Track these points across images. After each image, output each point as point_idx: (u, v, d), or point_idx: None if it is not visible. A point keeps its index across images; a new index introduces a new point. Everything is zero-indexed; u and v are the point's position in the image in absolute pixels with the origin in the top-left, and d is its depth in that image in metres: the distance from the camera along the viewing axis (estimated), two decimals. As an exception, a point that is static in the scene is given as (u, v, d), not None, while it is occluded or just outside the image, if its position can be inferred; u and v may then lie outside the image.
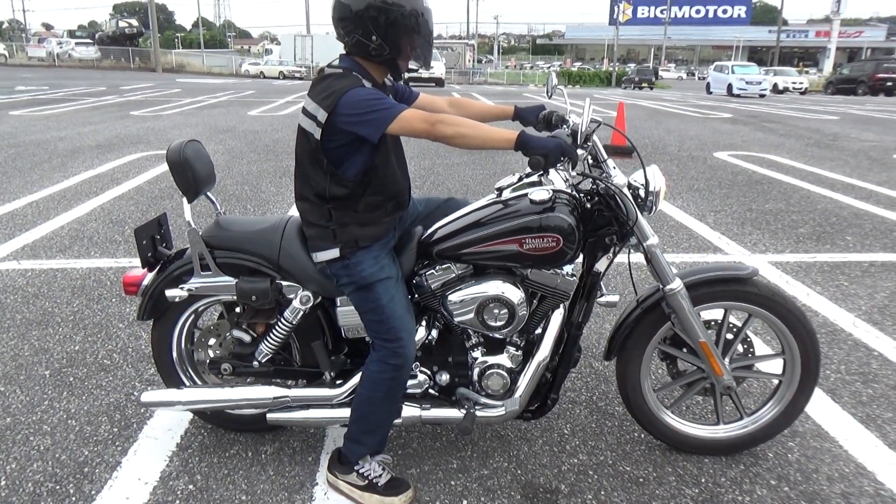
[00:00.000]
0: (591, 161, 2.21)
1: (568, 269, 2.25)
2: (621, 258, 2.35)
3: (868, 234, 5.55)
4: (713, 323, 2.34)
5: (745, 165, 8.91)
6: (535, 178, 2.25)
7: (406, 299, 2.17)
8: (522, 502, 2.21)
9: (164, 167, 8.19)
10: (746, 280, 2.24)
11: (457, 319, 2.23)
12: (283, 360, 2.45)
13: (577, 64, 72.08)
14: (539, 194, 2.10)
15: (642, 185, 2.20)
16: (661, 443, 2.50)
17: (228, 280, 2.30)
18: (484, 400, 2.28)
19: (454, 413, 2.28)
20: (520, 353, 2.28)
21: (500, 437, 2.58)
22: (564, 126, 2.31)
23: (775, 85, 33.15)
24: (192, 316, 2.49)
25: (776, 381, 2.41)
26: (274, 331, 2.32)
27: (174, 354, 2.51)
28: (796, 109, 20.20)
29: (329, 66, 2.09)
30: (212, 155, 2.57)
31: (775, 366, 2.44)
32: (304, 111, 2.02)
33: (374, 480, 2.20)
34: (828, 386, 2.97)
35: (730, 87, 29.77)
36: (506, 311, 2.17)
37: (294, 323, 2.29)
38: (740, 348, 2.37)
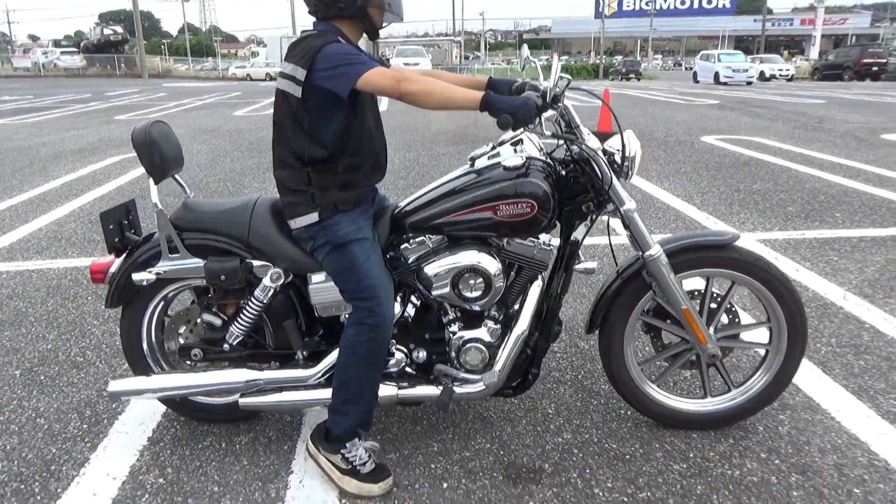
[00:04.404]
0: (563, 126, 2.14)
1: (545, 238, 2.19)
2: (602, 239, 2.28)
3: (857, 210, 5.49)
4: (696, 293, 2.27)
5: (732, 148, 8.86)
6: (508, 146, 2.18)
7: (382, 261, 2.12)
8: (505, 483, 2.14)
9: (146, 168, 8.07)
10: (727, 246, 2.17)
11: (433, 293, 2.17)
12: (255, 344, 2.37)
13: (563, 58, 72.08)
14: (512, 161, 2.04)
15: (618, 150, 2.13)
16: (649, 419, 2.43)
17: (197, 262, 2.23)
18: (463, 375, 2.20)
19: (432, 391, 2.20)
20: (498, 326, 2.21)
21: (482, 418, 2.50)
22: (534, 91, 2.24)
23: (762, 72, 33.15)
24: (162, 303, 2.42)
25: (763, 351, 2.34)
26: (244, 311, 2.24)
27: (144, 345, 2.42)
28: (783, 95, 20.21)
29: (304, 31, 2.05)
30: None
31: (762, 335, 2.37)
32: (282, 74, 2.00)
33: (357, 467, 2.12)
34: (819, 359, 2.91)
35: (716, 75, 29.78)
36: (481, 280, 2.11)
37: (265, 302, 2.22)
38: (725, 319, 2.31)
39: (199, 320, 2.36)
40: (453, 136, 10.56)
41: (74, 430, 2.50)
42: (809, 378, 2.73)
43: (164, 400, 2.47)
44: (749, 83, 29.27)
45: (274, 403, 2.27)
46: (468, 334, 2.20)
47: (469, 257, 2.12)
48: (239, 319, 2.26)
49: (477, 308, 2.19)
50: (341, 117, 1.99)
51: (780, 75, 34.12)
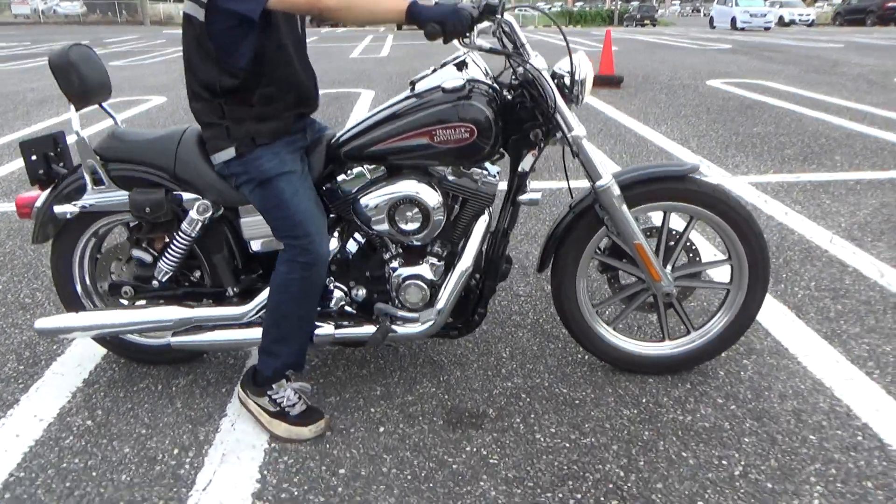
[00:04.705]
0: (507, 44, 1.95)
1: (492, 169, 2.04)
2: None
3: (858, 153, 5.26)
4: (654, 230, 2.12)
5: (738, 92, 8.53)
6: (451, 67, 2.01)
7: (313, 195, 1.98)
8: (444, 428, 2.04)
9: (131, 112, 7.92)
10: (684, 177, 2.00)
11: (370, 227, 2.04)
12: (188, 281, 2.26)
13: (578, 4, 70.13)
14: (452, 82, 1.88)
15: (568, 72, 1.95)
16: (606, 364, 2.31)
17: (122, 194, 2.10)
18: (401, 314, 2.09)
19: (371, 330, 2.09)
20: (441, 264, 2.08)
21: (432, 362, 2.39)
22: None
23: (781, 18, 31.98)
24: (93, 239, 2.30)
25: (725, 291, 2.19)
26: (172, 245, 2.13)
27: (77, 283, 2.32)
28: (800, 40, 19.50)
29: None
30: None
31: (723, 275, 2.22)
32: None
33: (285, 409, 2.02)
34: (794, 302, 2.76)
35: (733, 20, 28.73)
36: (418, 212, 1.97)
37: (193, 235, 2.10)
38: (685, 257, 2.16)
39: (130, 256, 2.25)
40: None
41: (10, 371, 2.41)
42: (781, 322, 2.58)
43: (101, 341, 2.38)
44: (767, 28, 28.27)
45: (207, 343, 2.18)
46: (408, 271, 2.07)
47: (406, 187, 1.98)
48: (167, 254, 2.14)
49: (416, 243, 2.06)
50: (251, 42, 1.80)
51: (801, 20, 32.86)
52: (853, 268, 3.08)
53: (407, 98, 1.99)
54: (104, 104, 2.28)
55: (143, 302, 2.26)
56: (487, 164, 2.06)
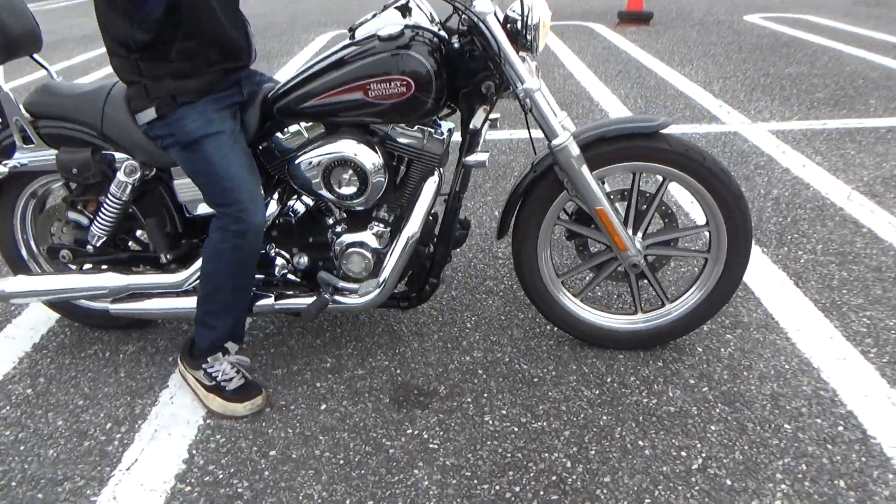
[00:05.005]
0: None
1: (443, 126, 1.85)
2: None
3: (896, 96, 4.83)
4: (625, 194, 1.91)
5: (775, 27, 7.95)
6: (392, 11, 1.79)
7: (246, 158, 1.81)
8: (388, 407, 1.90)
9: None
10: (654, 134, 1.77)
11: (306, 191, 1.89)
12: (127, 246, 2.15)
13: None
14: (389, 29, 1.67)
15: (521, 16, 1.72)
16: (575, 339, 2.13)
17: (51, 153, 1.98)
18: (342, 284, 1.94)
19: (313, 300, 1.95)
20: (388, 230, 1.91)
21: (391, 331, 2.25)
22: None
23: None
24: (32, 200, 2.19)
25: (703, 260, 1.98)
26: (103, 208, 2.00)
27: (21, 246, 2.23)
28: (855, -31, 18.16)
29: None
30: None
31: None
32: None
33: (221, 383, 1.91)
34: (795, 269, 2.52)
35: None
36: (353, 174, 1.79)
37: (123, 199, 1.97)
38: (660, 223, 1.95)
39: (68, 219, 2.14)
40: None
41: (-39, 335, 2.36)
42: (776, 291, 2.36)
43: (52, 306, 2.30)
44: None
45: (146, 311, 2.08)
46: (351, 238, 1.91)
47: (342, 147, 1.80)
48: (98, 218, 2.02)
49: (358, 207, 1.88)
50: None
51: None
52: (868, 228, 2.80)
53: (345, 47, 1.79)
54: (35, 56, 2.15)
55: (89, 266, 2.16)
56: (438, 121, 1.86)
